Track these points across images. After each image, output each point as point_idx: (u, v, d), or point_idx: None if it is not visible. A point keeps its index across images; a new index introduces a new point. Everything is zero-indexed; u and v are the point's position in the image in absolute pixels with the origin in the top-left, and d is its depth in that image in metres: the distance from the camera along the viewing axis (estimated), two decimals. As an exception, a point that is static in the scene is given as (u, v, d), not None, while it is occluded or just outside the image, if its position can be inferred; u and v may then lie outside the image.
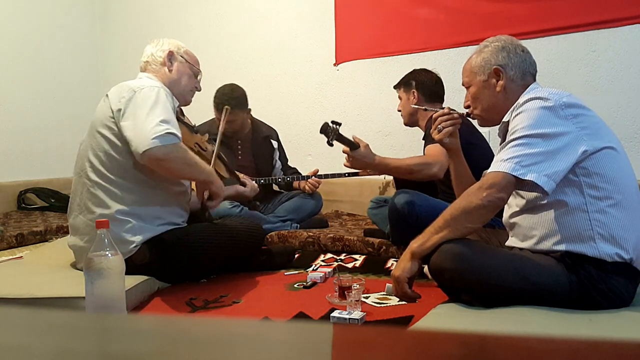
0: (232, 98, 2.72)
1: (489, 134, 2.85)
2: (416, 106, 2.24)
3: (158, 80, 1.86)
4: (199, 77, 2.01)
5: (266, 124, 3.06)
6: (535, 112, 1.32)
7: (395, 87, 2.49)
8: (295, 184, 2.94)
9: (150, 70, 1.91)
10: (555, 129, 1.29)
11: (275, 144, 3.04)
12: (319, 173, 2.88)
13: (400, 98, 2.46)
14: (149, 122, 1.62)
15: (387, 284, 1.54)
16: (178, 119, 1.94)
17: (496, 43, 1.51)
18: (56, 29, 4.00)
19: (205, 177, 1.83)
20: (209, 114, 2.85)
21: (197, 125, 2.30)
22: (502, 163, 1.31)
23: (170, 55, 1.91)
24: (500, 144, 1.55)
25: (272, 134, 3.05)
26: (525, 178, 1.27)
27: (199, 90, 2.03)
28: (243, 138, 2.92)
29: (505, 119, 1.46)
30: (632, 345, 0.35)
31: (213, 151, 2.07)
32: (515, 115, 1.37)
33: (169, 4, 4.03)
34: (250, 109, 2.87)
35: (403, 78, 2.46)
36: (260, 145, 2.96)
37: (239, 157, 2.84)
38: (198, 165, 1.78)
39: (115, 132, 1.72)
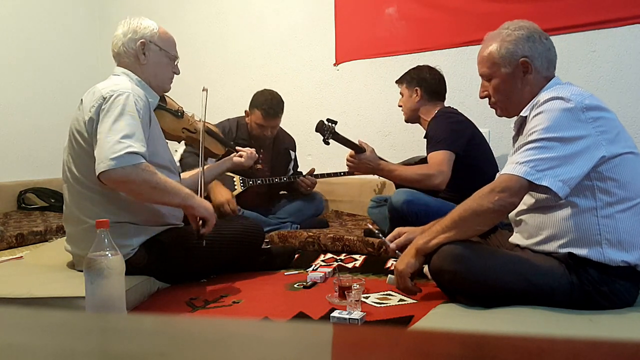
0: (281, 102, 2.77)
1: (489, 134, 2.86)
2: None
3: (133, 76, 1.76)
4: (176, 62, 1.87)
5: (287, 134, 3.03)
6: (555, 113, 1.28)
7: (397, 81, 2.45)
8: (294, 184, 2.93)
9: (123, 64, 1.78)
10: (573, 132, 1.26)
11: (293, 154, 3.03)
12: (315, 172, 2.87)
13: (401, 94, 2.43)
14: (109, 139, 1.53)
15: (390, 275, 1.55)
16: (160, 107, 1.91)
17: (520, 31, 1.42)
18: (56, 29, 4.00)
19: (180, 201, 1.66)
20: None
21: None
22: (517, 166, 1.28)
23: (143, 47, 1.76)
24: (513, 137, 1.53)
25: (291, 145, 3.04)
26: (539, 183, 1.24)
27: (178, 74, 1.90)
28: (265, 147, 2.87)
29: (523, 114, 1.41)
30: (633, 345, 0.35)
31: (203, 130, 2.03)
32: (535, 115, 1.32)
33: (169, 5, 4.03)
34: None
35: (407, 73, 2.42)
36: (279, 156, 2.94)
37: (257, 167, 2.78)
38: (168, 189, 1.62)
39: (89, 141, 1.63)
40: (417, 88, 2.36)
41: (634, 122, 2.73)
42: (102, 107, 1.60)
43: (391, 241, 1.61)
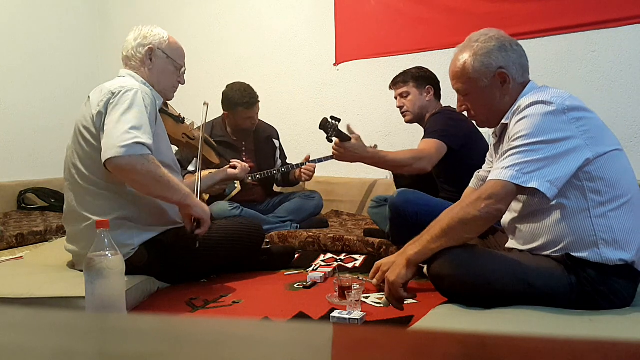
0: (253, 89, 2.83)
1: (489, 134, 2.86)
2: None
3: (138, 78, 1.79)
4: (182, 71, 1.91)
5: (267, 123, 3.08)
6: (538, 118, 1.28)
7: (401, 82, 2.40)
8: (291, 175, 2.93)
9: (130, 67, 1.83)
10: (558, 134, 1.26)
11: (277, 143, 3.06)
12: (311, 159, 2.87)
13: (403, 94, 2.39)
14: (118, 129, 1.56)
15: (384, 299, 1.52)
16: (162, 110, 1.94)
17: (491, 43, 1.39)
18: (56, 29, 4.00)
19: (180, 198, 1.68)
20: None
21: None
22: (503, 171, 1.28)
23: (150, 52, 1.81)
24: (494, 145, 1.54)
25: (274, 133, 3.08)
26: (527, 186, 1.24)
27: (183, 84, 1.94)
28: (245, 140, 2.94)
29: (504, 121, 1.41)
30: (633, 345, 0.35)
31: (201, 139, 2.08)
32: (518, 121, 1.32)
33: (169, 5, 4.03)
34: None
35: (409, 74, 2.39)
36: (263, 145, 2.98)
37: (244, 159, 2.85)
38: (171, 185, 1.65)
39: (96, 136, 1.65)
40: (429, 87, 2.36)
41: (634, 122, 2.73)
42: (111, 101, 1.63)
43: (372, 278, 1.58)
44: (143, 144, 1.57)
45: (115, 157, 1.54)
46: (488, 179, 1.34)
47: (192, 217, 1.74)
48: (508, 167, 1.27)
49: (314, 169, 2.84)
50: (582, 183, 1.28)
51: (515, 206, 1.41)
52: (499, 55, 1.39)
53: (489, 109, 1.45)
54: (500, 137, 1.48)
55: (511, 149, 1.30)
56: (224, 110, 2.86)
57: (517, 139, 1.30)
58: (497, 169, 1.31)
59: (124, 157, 1.54)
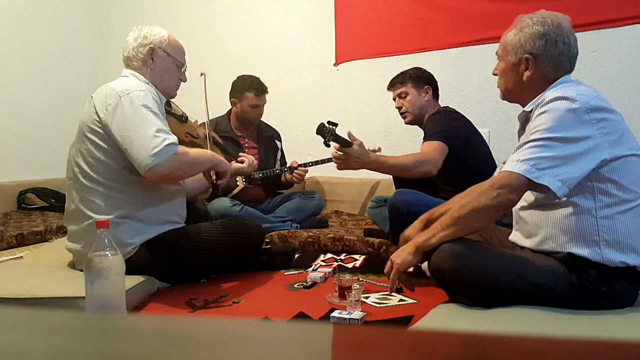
0: (264, 84, 2.91)
1: (489, 134, 2.86)
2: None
3: (141, 78, 1.81)
4: (183, 69, 1.93)
5: (270, 125, 3.10)
6: (560, 113, 1.28)
7: (399, 83, 2.39)
8: (283, 178, 2.95)
9: (132, 67, 1.84)
10: (576, 133, 1.25)
11: (279, 144, 3.08)
12: (299, 163, 2.90)
13: (401, 95, 2.38)
14: (144, 136, 1.59)
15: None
16: (166, 110, 1.95)
17: (537, 27, 1.40)
18: (56, 29, 4.00)
19: (210, 164, 1.82)
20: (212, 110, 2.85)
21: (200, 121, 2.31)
22: (517, 163, 1.28)
23: (152, 52, 1.82)
24: (518, 131, 1.54)
25: (276, 134, 3.10)
26: (539, 182, 1.24)
27: (185, 81, 1.96)
28: (248, 136, 2.96)
29: (527, 109, 1.41)
30: (633, 345, 0.35)
31: (205, 136, 2.09)
32: (540, 114, 1.32)
33: (169, 5, 4.03)
34: None
35: (407, 75, 2.39)
36: (264, 144, 2.99)
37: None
38: (200, 160, 1.77)
39: (102, 136, 1.67)
40: (427, 87, 2.36)
41: (634, 122, 2.73)
42: (118, 105, 1.65)
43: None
44: (173, 143, 1.62)
45: (153, 166, 1.58)
46: (502, 169, 1.35)
47: (211, 171, 1.87)
48: (523, 160, 1.28)
49: (306, 173, 2.90)
50: (592, 183, 1.28)
51: (525, 196, 1.40)
52: (536, 42, 1.40)
53: (506, 83, 1.49)
54: (523, 125, 1.48)
55: (529, 141, 1.30)
56: (231, 97, 2.90)
57: (536, 132, 1.30)
58: (512, 161, 1.31)
59: (162, 163, 1.59)
